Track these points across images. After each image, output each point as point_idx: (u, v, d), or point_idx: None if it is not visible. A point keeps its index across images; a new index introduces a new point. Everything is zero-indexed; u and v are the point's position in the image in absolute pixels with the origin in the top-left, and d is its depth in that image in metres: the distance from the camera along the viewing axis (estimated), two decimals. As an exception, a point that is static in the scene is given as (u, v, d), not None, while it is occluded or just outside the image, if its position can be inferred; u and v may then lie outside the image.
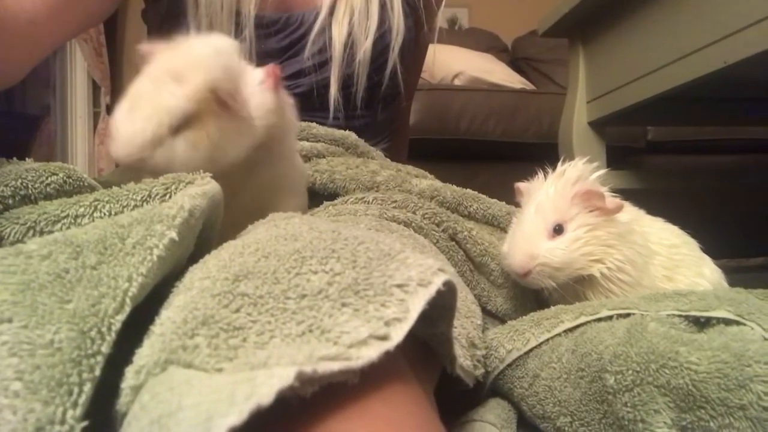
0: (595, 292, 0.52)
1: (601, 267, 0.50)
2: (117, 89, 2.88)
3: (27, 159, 0.38)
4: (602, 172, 0.56)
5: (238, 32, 0.70)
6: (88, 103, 2.82)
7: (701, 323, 0.37)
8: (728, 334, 0.34)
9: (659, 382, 0.33)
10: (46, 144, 2.68)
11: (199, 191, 0.35)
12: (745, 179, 1.68)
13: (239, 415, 0.18)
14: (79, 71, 2.78)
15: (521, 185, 0.57)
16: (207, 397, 0.20)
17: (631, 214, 0.55)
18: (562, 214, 0.51)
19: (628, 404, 0.34)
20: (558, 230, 0.51)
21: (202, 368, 0.23)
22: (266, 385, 0.19)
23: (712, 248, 0.55)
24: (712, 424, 0.31)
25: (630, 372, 0.35)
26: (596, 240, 0.50)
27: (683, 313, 0.38)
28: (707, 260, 0.55)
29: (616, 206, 0.51)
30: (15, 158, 0.38)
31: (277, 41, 0.73)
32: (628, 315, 0.40)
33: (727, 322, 0.36)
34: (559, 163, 0.56)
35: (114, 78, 2.83)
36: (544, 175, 0.56)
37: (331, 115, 0.73)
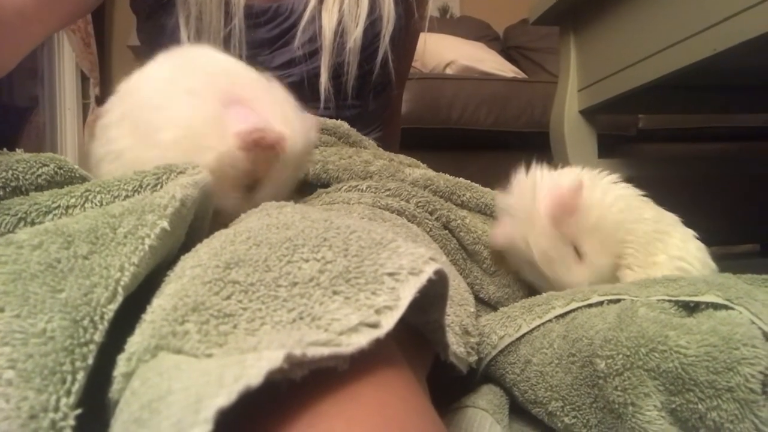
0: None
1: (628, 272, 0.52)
2: (106, 80, 2.85)
3: (16, 150, 0.38)
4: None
5: (227, 22, 0.70)
6: (77, 94, 2.79)
7: (690, 308, 0.38)
8: (717, 318, 0.35)
9: (649, 365, 0.34)
10: (35, 136, 2.65)
11: (190, 181, 0.35)
12: (735, 167, 1.69)
13: (228, 396, 0.18)
14: (67, 62, 2.75)
15: (499, 235, 0.55)
16: (196, 380, 0.20)
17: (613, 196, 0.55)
18: (568, 238, 0.51)
19: (619, 388, 0.35)
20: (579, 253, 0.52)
21: (192, 354, 0.23)
22: (255, 367, 0.19)
23: (701, 235, 0.56)
24: (700, 406, 0.32)
25: (620, 356, 0.35)
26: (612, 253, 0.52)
27: (673, 298, 0.38)
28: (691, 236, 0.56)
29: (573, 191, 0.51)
30: (5, 149, 0.38)
31: (267, 31, 0.72)
32: (618, 300, 0.41)
33: (716, 306, 0.36)
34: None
35: (103, 69, 2.80)
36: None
37: (322, 104, 0.73)
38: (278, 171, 0.45)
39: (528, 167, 0.57)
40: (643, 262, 0.53)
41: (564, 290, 0.49)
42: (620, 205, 0.54)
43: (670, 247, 0.53)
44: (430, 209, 0.57)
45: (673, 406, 0.33)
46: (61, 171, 0.37)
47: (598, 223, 0.52)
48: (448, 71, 2.14)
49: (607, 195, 0.54)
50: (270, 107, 0.45)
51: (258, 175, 0.44)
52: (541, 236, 0.51)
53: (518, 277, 0.58)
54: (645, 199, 0.57)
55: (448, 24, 2.63)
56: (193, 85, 0.44)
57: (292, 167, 0.47)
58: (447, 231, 0.57)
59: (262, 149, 0.42)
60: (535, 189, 0.53)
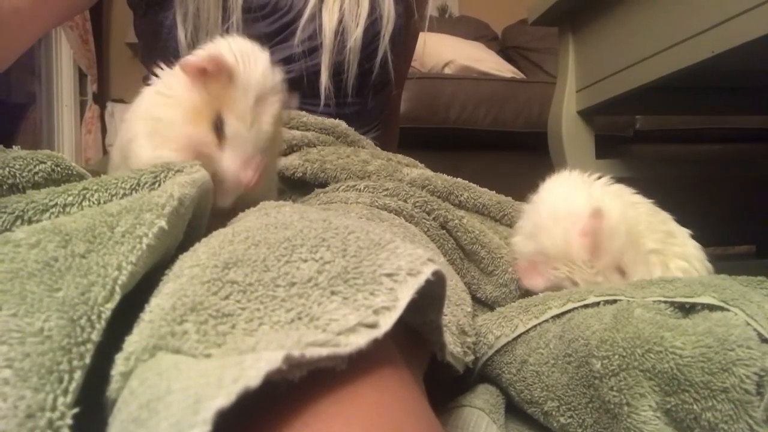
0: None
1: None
2: (103, 77, 2.84)
3: (13, 147, 0.38)
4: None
5: (225, 17, 0.69)
6: (74, 91, 2.79)
7: (686, 309, 0.38)
8: (712, 319, 0.35)
9: (645, 366, 0.34)
10: (32, 133, 2.65)
11: (188, 179, 0.35)
12: (732, 168, 1.70)
13: (227, 397, 0.18)
14: (64, 59, 2.74)
15: (540, 282, 0.53)
16: (195, 381, 0.20)
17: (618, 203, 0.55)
18: (608, 265, 0.51)
19: (614, 388, 0.35)
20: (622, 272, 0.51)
21: (191, 354, 0.23)
22: (254, 368, 0.19)
23: (697, 236, 0.56)
24: (695, 406, 0.32)
25: (616, 357, 0.35)
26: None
27: (669, 299, 0.38)
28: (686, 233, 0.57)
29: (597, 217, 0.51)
30: (1, 146, 0.38)
31: (266, 26, 0.72)
32: (614, 301, 0.41)
33: (712, 307, 0.36)
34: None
35: (100, 66, 2.80)
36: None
37: (322, 102, 0.73)
38: (238, 102, 0.44)
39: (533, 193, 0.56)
40: (656, 259, 0.53)
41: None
42: (632, 210, 0.54)
43: (675, 247, 0.53)
44: (427, 209, 0.57)
45: (669, 406, 0.33)
46: (59, 168, 0.36)
47: (629, 234, 0.51)
48: (447, 71, 2.14)
49: (618, 203, 0.54)
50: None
51: (219, 108, 0.43)
52: (588, 272, 0.51)
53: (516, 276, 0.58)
54: (638, 196, 0.57)
55: (446, 24, 2.63)
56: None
57: (253, 98, 0.44)
58: (444, 231, 0.57)
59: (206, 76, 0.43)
60: (562, 227, 0.52)
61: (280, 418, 0.22)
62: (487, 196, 0.63)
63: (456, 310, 0.43)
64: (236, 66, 0.43)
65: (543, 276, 0.53)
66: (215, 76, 0.42)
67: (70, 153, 2.71)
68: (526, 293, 0.56)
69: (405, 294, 0.26)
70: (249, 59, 0.45)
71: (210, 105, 0.43)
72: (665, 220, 0.56)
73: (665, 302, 0.38)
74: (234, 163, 0.43)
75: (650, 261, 0.53)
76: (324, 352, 0.22)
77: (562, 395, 0.39)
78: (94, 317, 0.25)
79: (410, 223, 0.55)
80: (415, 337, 0.34)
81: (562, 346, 0.40)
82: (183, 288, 0.26)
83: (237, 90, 0.43)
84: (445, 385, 0.44)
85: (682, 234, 0.55)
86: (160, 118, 0.43)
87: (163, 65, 0.47)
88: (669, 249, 0.53)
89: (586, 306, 0.42)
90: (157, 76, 0.47)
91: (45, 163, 0.36)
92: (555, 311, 0.44)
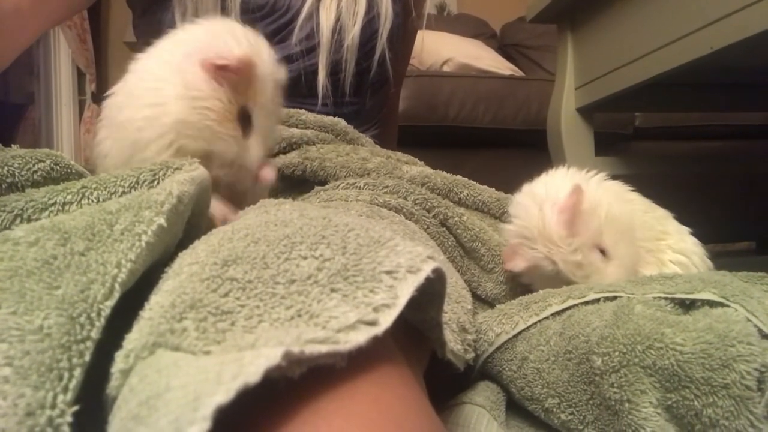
0: None
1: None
2: (102, 77, 2.84)
3: (12, 146, 0.38)
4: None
5: (223, 17, 0.69)
6: (73, 90, 2.78)
7: (687, 305, 0.38)
8: (713, 315, 0.35)
9: (645, 362, 0.34)
10: (31, 132, 2.64)
11: (187, 177, 0.35)
12: (731, 165, 1.70)
13: (226, 393, 0.18)
14: (63, 58, 2.74)
15: (519, 263, 0.54)
16: (194, 378, 0.20)
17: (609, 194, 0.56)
18: (588, 242, 0.51)
19: (615, 385, 0.35)
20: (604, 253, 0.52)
21: (190, 351, 0.23)
22: (253, 365, 0.19)
23: (698, 233, 0.56)
24: (696, 403, 0.32)
25: (617, 353, 0.35)
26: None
27: (669, 296, 0.38)
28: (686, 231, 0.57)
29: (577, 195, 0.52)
30: (0, 145, 0.38)
31: (264, 26, 0.72)
32: (614, 298, 0.41)
33: (712, 304, 0.37)
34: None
35: (99, 65, 2.79)
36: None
37: (320, 101, 0.73)
38: (262, 95, 0.45)
39: (526, 182, 0.57)
40: (653, 256, 0.53)
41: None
42: (627, 205, 0.55)
43: (670, 240, 0.53)
44: (427, 206, 0.57)
45: (669, 402, 0.33)
46: (58, 167, 0.36)
47: (610, 216, 0.52)
48: (446, 69, 2.14)
49: (603, 190, 0.55)
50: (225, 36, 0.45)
51: (244, 102, 0.44)
52: (566, 250, 0.51)
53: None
54: (635, 194, 0.58)
55: (445, 21, 2.63)
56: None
57: (272, 90, 0.46)
58: (444, 228, 0.57)
59: (231, 74, 0.42)
60: (541, 207, 0.53)
61: (280, 414, 0.22)
62: (486, 193, 0.63)
63: (456, 307, 0.43)
64: (257, 59, 0.43)
65: (523, 257, 0.53)
66: (238, 71, 0.42)
67: (69, 152, 2.71)
68: (526, 289, 0.56)
69: (405, 291, 0.25)
70: (261, 49, 0.45)
71: (235, 100, 0.43)
72: (661, 217, 0.56)
73: (665, 299, 0.38)
74: (260, 152, 0.44)
75: (645, 259, 0.53)
76: (323, 349, 0.22)
77: (562, 392, 0.39)
78: (93, 315, 0.25)
79: (410, 220, 0.55)
80: (415, 334, 0.34)
81: (563, 343, 0.40)
82: (182, 285, 0.26)
83: (259, 82, 0.44)
84: (446, 382, 0.44)
85: (680, 231, 0.55)
86: (192, 124, 0.42)
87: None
88: (663, 245, 0.53)
89: (586, 303, 0.42)
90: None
91: (44, 161, 0.36)
92: (555, 308, 0.44)
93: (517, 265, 0.54)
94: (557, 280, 0.52)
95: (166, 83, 0.42)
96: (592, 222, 0.51)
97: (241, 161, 0.44)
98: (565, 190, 0.52)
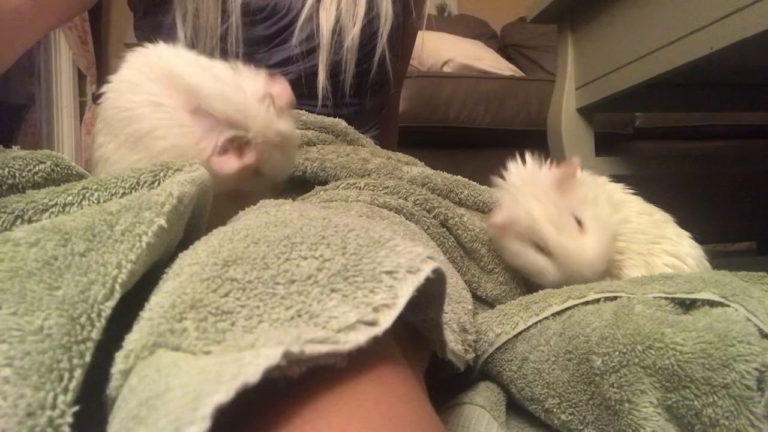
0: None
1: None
2: (103, 78, 2.83)
3: (13, 147, 0.38)
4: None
5: (224, 20, 0.69)
6: (74, 92, 2.79)
7: (687, 305, 0.38)
8: (713, 315, 0.35)
9: (645, 362, 0.34)
10: (32, 134, 2.64)
11: (187, 178, 0.35)
12: (732, 165, 1.70)
13: (226, 393, 0.18)
14: (64, 60, 2.74)
15: (498, 215, 0.56)
16: (194, 378, 0.20)
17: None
18: (568, 208, 0.53)
19: (615, 385, 0.35)
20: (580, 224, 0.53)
21: (190, 351, 0.23)
22: (253, 364, 0.19)
23: (697, 233, 0.56)
24: (696, 402, 0.32)
25: (617, 353, 0.35)
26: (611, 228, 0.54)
27: (669, 296, 0.38)
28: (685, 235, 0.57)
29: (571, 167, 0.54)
30: (1, 147, 0.38)
31: (264, 28, 0.72)
32: (615, 298, 0.41)
33: (712, 303, 0.36)
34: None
35: (100, 67, 2.80)
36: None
37: (320, 102, 0.73)
38: (273, 156, 0.47)
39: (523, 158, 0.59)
40: (642, 259, 0.53)
41: (569, 271, 0.51)
42: (615, 195, 0.56)
43: (666, 244, 0.53)
44: (427, 207, 0.57)
45: (669, 402, 0.33)
46: (58, 168, 0.36)
47: (597, 198, 0.54)
48: (446, 69, 2.14)
49: (600, 182, 0.57)
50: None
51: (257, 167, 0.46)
52: (544, 202, 0.52)
53: (516, 274, 0.58)
54: (633, 196, 0.58)
55: (445, 22, 2.63)
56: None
57: (288, 147, 0.49)
58: (445, 229, 0.57)
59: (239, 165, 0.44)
60: (534, 166, 0.56)
61: (280, 415, 0.22)
62: (487, 193, 0.63)
63: (456, 307, 0.43)
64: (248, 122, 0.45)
65: (503, 211, 0.55)
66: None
67: (69, 154, 2.71)
68: (526, 290, 0.56)
69: (405, 291, 0.25)
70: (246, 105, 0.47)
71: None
72: (660, 220, 0.56)
73: (665, 298, 0.38)
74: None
75: (633, 261, 0.54)
76: (323, 349, 0.22)
77: (562, 392, 0.39)
78: (94, 315, 0.25)
79: (410, 221, 0.55)
80: (415, 334, 0.34)
81: (563, 343, 0.40)
82: (182, 286, 0.26)
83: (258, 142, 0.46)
84: (446, 382, 0.44)
85: (678, 234, 0.55)
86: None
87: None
88: (658, 249, 0.54)
89: (586, 303, 0.42)
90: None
91: (45, 162, 0.36)
92: (555, 308, 0.44)
93: (496, 219, 0.55)
94: (527, 243, 0.53)
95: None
96: (579, 192, 0.53)
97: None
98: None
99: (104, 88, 0.47)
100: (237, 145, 0.45)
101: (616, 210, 0.55)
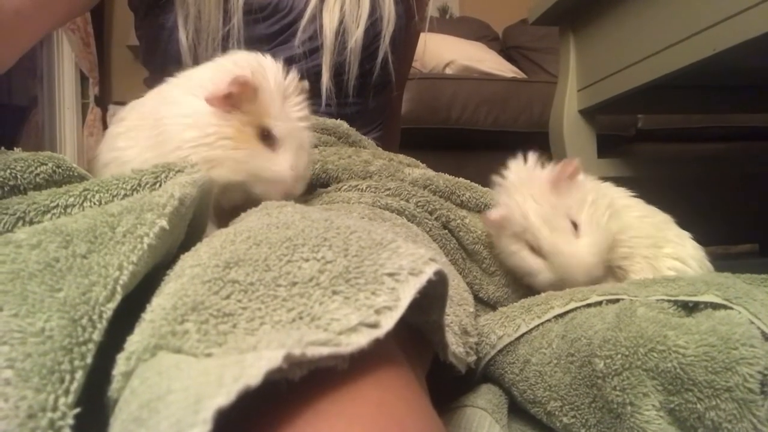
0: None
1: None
2: (105, 80, 2.85)
3: (15, 149, 0.38)
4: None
5: (226, 21, 0.69)
6: (76, 94, 2.79)
7: (689, 308, 0.38)
8: (716, 318, 0.35)
9: (648, 365, 0.34)
10: (34, 135, 2.65)
11: (189, 180, 0.35)
12: (734, 167, 1.69)
13: (227, 396, 0.18)
14: (66, 62, 2.74)
15: (494, 212, 0.56)
16: (196, 380, 0.20)
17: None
18: (564, 209, 0.52)
19: (617, 388, 0.35)
20: (576, 226, 0.52)
21: (192, 353, 0.23)
22: (255, 367, 0.19)
23: (699, 235, 0.56)
24: (699, 406, 0.32)
25: (619, 356, 0.35)
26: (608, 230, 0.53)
27: (672, 298, 0.38)
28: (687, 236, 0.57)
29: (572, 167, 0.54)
30: (3, 148, 0.38)
31: (266, 27, 0.72)
32: (617, 300, 0.41)
33: (715, 306, 0.36)
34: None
35: (102, 69, 2.80)
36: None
37: (324, 102, 0.73)
38: (273, 107, 0.48)
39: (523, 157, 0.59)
40: (648, 263, 0.53)
41: (562, 273, 0.50)
42: (616, 200, 0.56)
43: (668, 247, 0.53)
44: (429, 209, 0.57)
45: (672, 405, 0.33)
46: (60, 170, 0.36)
47: (596, 202, 0.53)
48: (448, 71, 2.14)
49: (601, 186, 0.57)
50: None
51: (260, 121, 0.47)
52: (540, 202, 0.52)
53: (515, 276, 0.58)
54: (634, 199, 0.58)
55: (447, 24, 2.63)
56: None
57: (281, 100, 0.49)
58: (446, 231, 0.57)
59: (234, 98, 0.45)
60: (533, 164, 0.56)
61: (282, 417, 0.22)
62: (489, 195, 0.63)
63: (458, 310, 0.43)
64: (256, 77, 0.46)
65: (499, 208, 0.55)
66: (241, 95, 0.45)
67: (71, 156, 2.72)
68: (528, 292, 0.56)
69: (407, 294, 0.25)
70: (262, 66, 0.48)
71: (249, 122, 0.46)
72: (661, 222, 0.56)
73: (668, 301, 0.38)
74: (289, 161, 0.48)
75: (640, 264, 0.53)
76: (325, 351, 0.22)
77: (565, 395, 0.39)
78: (95, 317, 0.25)
79: (412, 223, 0.54)
80: (417, 337, 0.34)
81: (565, 346, 0.40)
82: (184, 287, 0.26)
83: (264, 95, 0.47)
84: (448, 385, 0.44)
85: (680, 236, 0.55)
86: (214, 159, 0.45)
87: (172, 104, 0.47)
88: (661, 253, 0.53)
89: (588, 305, 0.42)
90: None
91: (46, 164, 0.36)
92: (557, 311, 0.43)
93: (490, 215, 0.55)
94: (522, 243, 0.53)
95: (181, 127, 0.45)
96: (576, 193, 0.53)
97: (271, 175, 0.47)
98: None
99: None
100: None
101: (617, 216, 0.54)
